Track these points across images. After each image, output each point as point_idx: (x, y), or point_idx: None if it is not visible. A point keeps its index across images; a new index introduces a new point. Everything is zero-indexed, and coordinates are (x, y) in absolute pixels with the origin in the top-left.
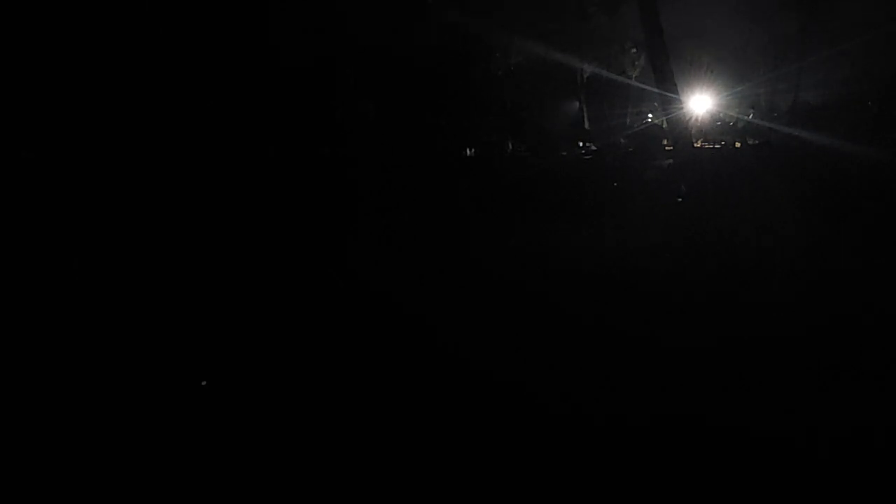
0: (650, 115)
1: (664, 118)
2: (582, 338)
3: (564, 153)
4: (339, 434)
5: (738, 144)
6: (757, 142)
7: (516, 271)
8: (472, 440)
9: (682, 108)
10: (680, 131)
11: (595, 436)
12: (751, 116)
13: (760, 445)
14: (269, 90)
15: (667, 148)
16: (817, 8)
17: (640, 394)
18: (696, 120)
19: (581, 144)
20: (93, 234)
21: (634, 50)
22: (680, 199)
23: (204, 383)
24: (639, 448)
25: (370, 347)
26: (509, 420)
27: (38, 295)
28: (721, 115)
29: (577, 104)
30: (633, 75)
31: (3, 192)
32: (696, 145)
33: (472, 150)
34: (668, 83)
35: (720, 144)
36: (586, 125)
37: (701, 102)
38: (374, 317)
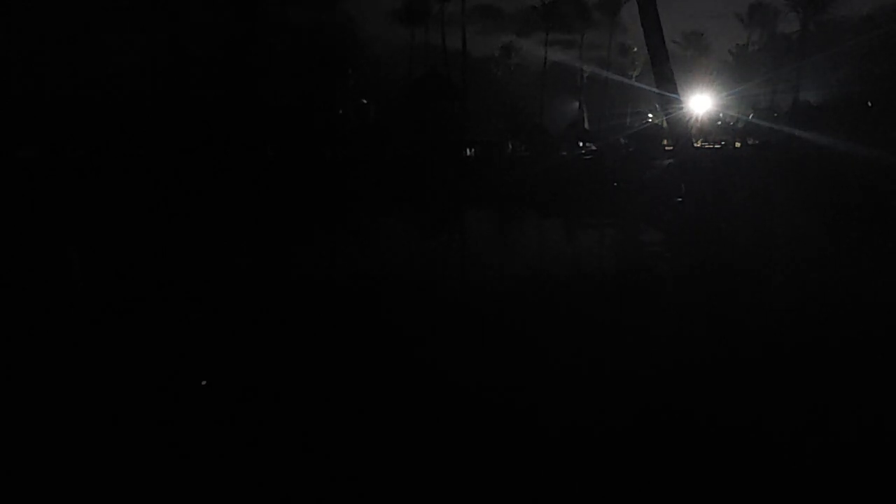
0: (650, 115)
1: (664, 118)
2: (581, 337)
3: (564, 153)
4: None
5: (738, 144)
6: (757, 142)
7: (513, 269)
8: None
9: (682, 109)
10: (680, 131)
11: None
12: (751, 117)
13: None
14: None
15: (667, 148)
16: (817, 8)
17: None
18: (696, 120)
19: (581, 144)
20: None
21: (635, 50)
22: (680, 199)
23: (204, 383)
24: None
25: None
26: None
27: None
28: (721, 115)
29: (577, 104)
30: (633, 75)
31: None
32: (696, 145)
33: (472, 150)
34: (668, 83)
35: (720, 144)
36: (586, 125)
37: (701, 102)
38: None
